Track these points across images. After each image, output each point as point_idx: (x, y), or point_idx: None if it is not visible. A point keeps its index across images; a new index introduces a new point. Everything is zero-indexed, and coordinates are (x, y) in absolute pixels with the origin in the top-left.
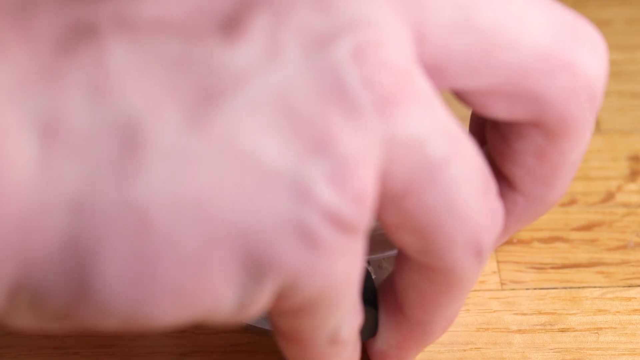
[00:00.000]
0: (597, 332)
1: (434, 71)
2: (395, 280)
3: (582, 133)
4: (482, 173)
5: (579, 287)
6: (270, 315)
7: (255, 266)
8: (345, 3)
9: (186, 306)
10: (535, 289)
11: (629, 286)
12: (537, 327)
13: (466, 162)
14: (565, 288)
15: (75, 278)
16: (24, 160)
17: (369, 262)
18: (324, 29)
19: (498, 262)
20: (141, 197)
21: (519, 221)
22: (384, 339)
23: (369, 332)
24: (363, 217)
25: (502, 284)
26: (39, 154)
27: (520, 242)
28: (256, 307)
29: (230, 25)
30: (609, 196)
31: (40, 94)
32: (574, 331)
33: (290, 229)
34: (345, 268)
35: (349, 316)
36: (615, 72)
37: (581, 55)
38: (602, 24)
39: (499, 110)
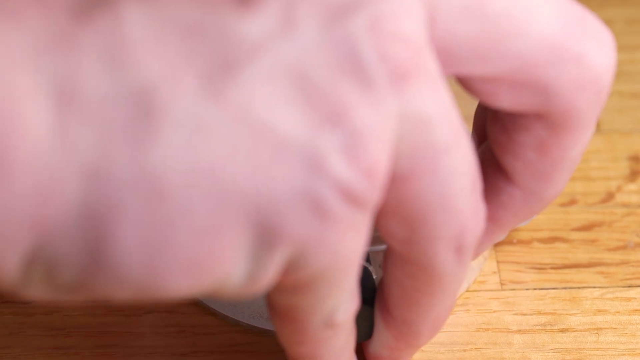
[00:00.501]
0: (597, 332)
1: (442, 55)
2: (383, 278)
3: (584, 128)
4: (474, 170)
5: (579, 287)
6: (270, 292)
7: (266, 235)
8: None
9: (198, 275)
10: (535, 289)
11: (629, 286)
12: (537, 327)
13: (463, 155)
14: (565, 288)
15: (89, 246)
16: (39, 126)
17: (369, 262)
18: (341, 0)
19: (498, 262)
20: (156, 164)
21: (516, 216)
22: (376, 340)
23: (368, 331)
24: (373, 192)
25: (502, 284)
26: (54, 119)
27: (520, 242)
28: (265, 279)
29: None
30: (609, 196)
31: (56, 59)
32: (574, 331)
33: (302, 200)
34: (351, 243)
35: (346, 299)
36: (616, 72)
37: (590, 48)
38: None
39: (504, 100)
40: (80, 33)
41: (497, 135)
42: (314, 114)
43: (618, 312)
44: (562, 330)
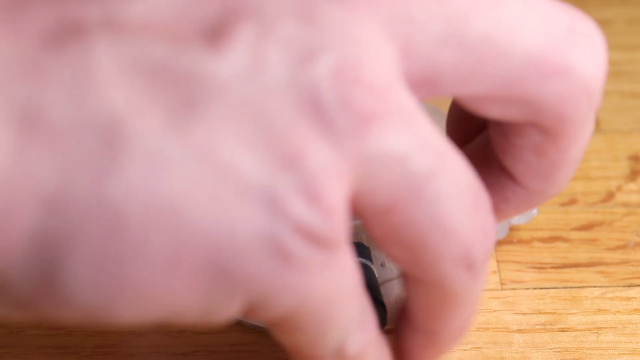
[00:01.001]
0: (597, 332)
1: (423, 83)
2: (405, 291)
3: (580, 131)
4: (471, 187)
5: (579, 287)
6: (270, 330)
7: (224, 278)
8: (330, 17)
9: (151, 307)
10: (535, 288)
11: (629, 286)
12: (537, 326)
13: (452, 177)
14: (565, 288)
15: (41, 270)
16: None
17: (371, 261)
18: (307, 43)
19: (498, 261)
20: (116, 196)
21: (517, 209)
22: (404, 346)
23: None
24: (335, 231)
25: (502, 283)
26: (14, 145)
27: (520, 241)
28: (225, 315)
29: (216, 33)
30: (609, 196)
31: (21, 86)
32: (574, 331)
33: (262, 242)
34: (325, 284)
35: (352, 331)
36: (615, 72)
37: (576, 56)
38: (602, 24)
39: (493, 112)
40: (49, 62)
41: (497, 137)
42: (273, 157)
43: (618, 311)
44: (562, 330)
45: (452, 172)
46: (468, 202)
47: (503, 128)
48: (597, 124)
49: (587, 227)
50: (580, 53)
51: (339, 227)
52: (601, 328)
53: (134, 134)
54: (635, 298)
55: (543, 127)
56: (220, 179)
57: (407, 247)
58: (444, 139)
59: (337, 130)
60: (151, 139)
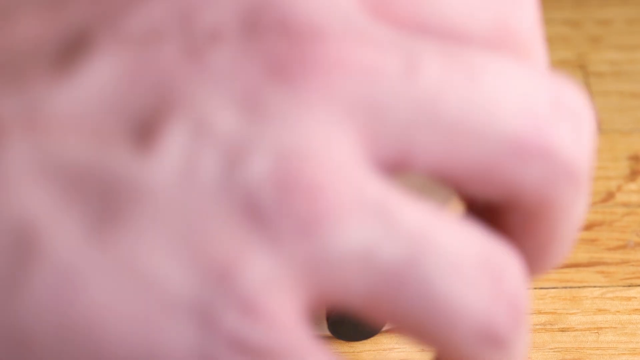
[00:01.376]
0: (597, 332)
1: (395, 165)
2: None
3: (567, 212)
4: (482, 258)
5: (579, 287)
6: None
7: None
8: (275, 107)
9: None
10: (535, 288)
11: (629, 286)
12: (537, 326)
13: (446, 255)
14: (565, 288)
15: None
16: None
17: None
18: (244, 140)
19: None
20: (26, 315)
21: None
22: None
23: (367, 334)
24: (279, 341)
25: None
26: None
27: None
28: None
29: (146, 131)
30: (609, 196)
31: None
32: (574, 331)
33: None
34: None
35: None
36: (615, 72)
37: (559, 136)
38: (602, 24)
39: (470, 192)
40: None
41: (486, 212)
42: (204, 268)
43: (618, 311)
44: (562, 330)
45: (446, 248)
46: (478, 274)
47: (489, 207)
48: (597, 123)
49: (587, 227)
50: (564, 132)
51: (286, 337)
52: (601, 328)
53: (48, 246)
54: (635, 298)
55: (526, 210)
56: (145, 295)
57: (416, 333)
58: (432, 213)
59: (278, 236)
60: (67, 251)
